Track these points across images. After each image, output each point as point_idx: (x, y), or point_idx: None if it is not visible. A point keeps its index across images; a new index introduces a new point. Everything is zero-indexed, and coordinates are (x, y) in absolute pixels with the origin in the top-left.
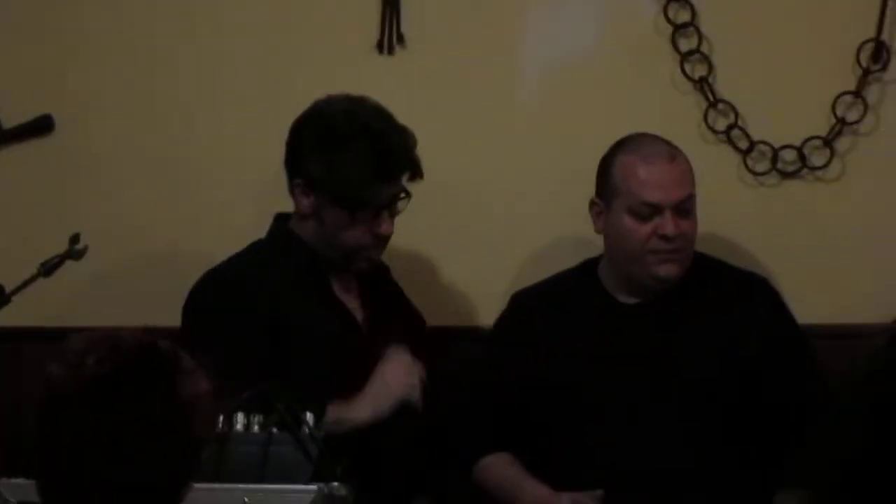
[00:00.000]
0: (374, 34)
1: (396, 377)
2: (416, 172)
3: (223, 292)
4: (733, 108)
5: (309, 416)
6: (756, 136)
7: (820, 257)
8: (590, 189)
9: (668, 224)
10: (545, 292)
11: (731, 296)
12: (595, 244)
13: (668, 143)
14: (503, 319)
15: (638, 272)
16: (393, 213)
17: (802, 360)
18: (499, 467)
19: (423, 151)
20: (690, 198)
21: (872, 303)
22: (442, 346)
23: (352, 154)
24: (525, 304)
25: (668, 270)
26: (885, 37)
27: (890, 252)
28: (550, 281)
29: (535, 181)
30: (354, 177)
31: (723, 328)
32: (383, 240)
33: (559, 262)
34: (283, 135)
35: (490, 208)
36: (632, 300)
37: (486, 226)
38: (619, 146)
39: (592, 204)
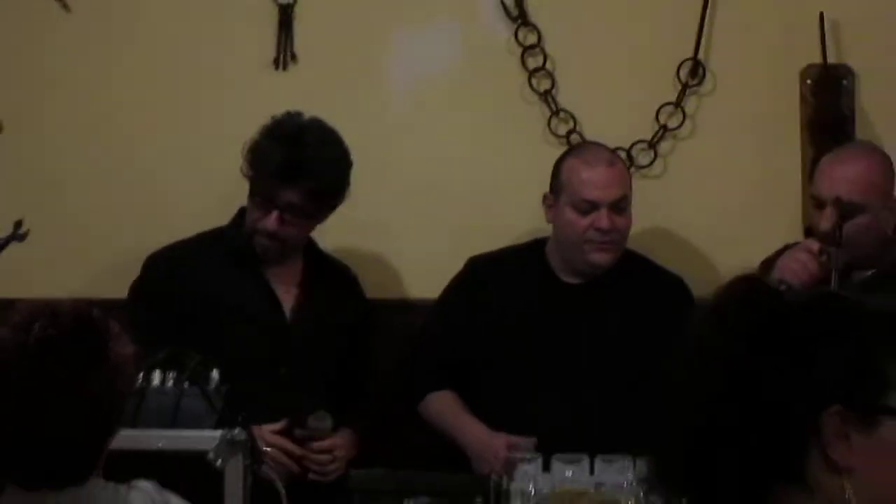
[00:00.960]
0: (270, 52)
1: (279, 460)
2: (322, 197)
3: (157, 268)
4: (573, 117)
5: (214, 373)
6: (592, 140)
7: (645, 241)
8: (454, 185)
9: (603, 219)
10: (499, 261)
11: (652, 288)
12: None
13: (610, 151)
14: (458, 279)
15: (576, 257)
16: (286, 220)
17: None
18: (443, 402)
19: None
20: (625, 198)
21: (689, 279)
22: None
23: (269, 147)
24: (480, 268)
25: (600, 258)
26: (701, 56)
27: (703, 237)
28: (504, 251)
29: (406, 182)
30: (256, 163)
31: (642, 314)
32: (266, 233)
33: (411, 256)
34: (189, 140)
35: (374, 209)
36: (572, 280)
37: (362, 222)
38: (569, 151)
39: (545, 197)
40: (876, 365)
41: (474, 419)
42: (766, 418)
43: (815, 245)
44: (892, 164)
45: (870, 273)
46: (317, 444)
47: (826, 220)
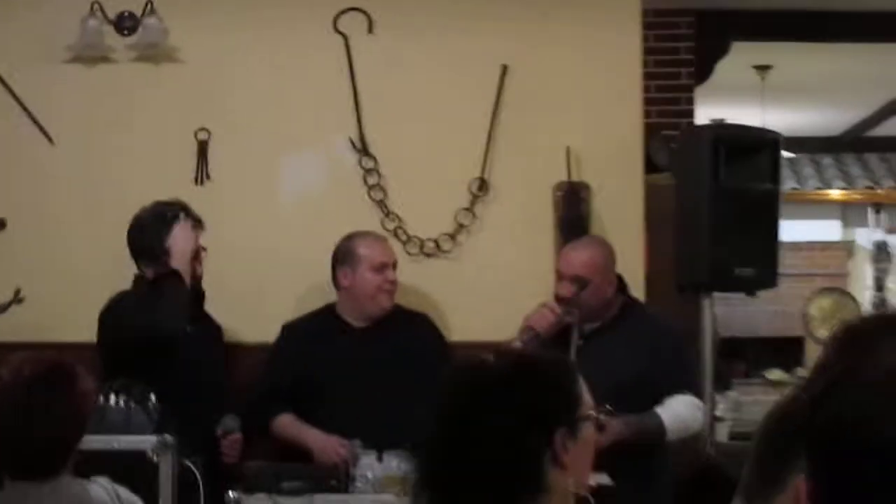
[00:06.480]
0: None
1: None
2: None
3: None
4: (398, 217)
5: (152, 396)
6: (411, 233)
7: (450, 301)
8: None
9: (391, 274)
10: (304, 321)
11: (413, 326)
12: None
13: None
14: (277, 340)
15: (368, 305)
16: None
17: None
18: (287, 421)
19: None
20: (395, 262)
21: (482, 327)
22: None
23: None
24: (291, 329)
25: (387, 301)
26: (486, 175)
27: (486, 300)
28: (306, 315)
29: (286, 255)
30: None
31: (407, 345)
32: None
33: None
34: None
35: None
36: (361, 325)
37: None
38: (352, 238)
39: (342, 273)
40: (570, 391)
41: (311, 427)
42: (514, 448)
43: (555, 306)
44: (612, 250)
45: (597, 324)
46: (231, 437)
47: (566, 290)
